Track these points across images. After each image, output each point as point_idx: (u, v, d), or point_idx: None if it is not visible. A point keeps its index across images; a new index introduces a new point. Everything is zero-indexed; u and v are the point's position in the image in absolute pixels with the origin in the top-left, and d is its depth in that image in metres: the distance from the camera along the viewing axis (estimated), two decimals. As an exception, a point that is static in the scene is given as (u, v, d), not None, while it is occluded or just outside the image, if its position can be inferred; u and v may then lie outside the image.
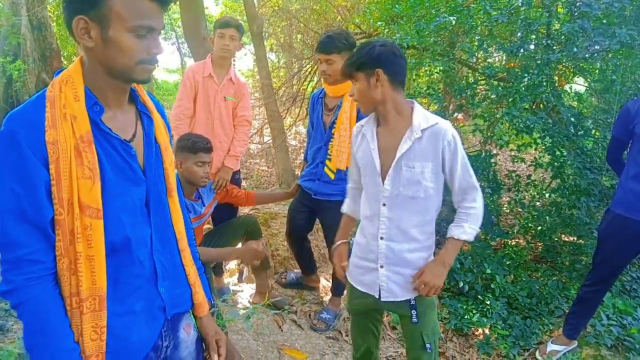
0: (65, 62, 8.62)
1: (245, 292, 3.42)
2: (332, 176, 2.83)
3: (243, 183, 6.60)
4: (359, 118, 2.73)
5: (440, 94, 4.16)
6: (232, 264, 3.88)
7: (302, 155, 3.14)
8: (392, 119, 1.80)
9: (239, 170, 3.35)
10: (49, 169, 1.02)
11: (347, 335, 3.05)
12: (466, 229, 1.79)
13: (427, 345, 1.88)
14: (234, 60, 3.32)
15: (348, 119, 2.72)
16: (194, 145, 2.46)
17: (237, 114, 3.15)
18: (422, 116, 1.77)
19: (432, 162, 1.75)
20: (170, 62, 23.60)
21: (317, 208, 3.00)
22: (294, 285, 3.52)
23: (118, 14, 1.02)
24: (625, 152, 2.82)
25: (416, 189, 1.76)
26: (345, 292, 3.23)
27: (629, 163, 2.67)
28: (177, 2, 5.37)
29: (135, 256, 1.16)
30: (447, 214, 2.83)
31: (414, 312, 1.85)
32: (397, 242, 1.82)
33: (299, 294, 3.47)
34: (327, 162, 2.84)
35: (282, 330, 2.94)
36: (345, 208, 2.14)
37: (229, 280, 3.64)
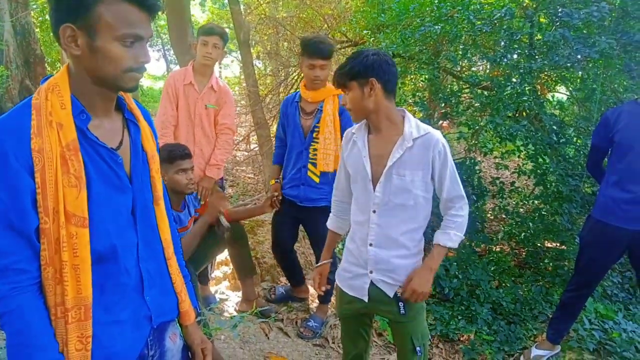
0: (49, 69, 8.51)
1: (231, 300, 3.40)
2: (317, 180, 2.84)
3: (229, 190, 6.59)
4: (342, 121, 2.77)
5: (425, 102, 4.21)
6: (217, 272, 3.85)
7: (284, 163, 3.07)
8: (384, 127, 1.82)
9: (223, 177, 3.32)
10: (34, 177, 1.01)
11: (334, 343, 3.04)
12: (452, 236, 1.83)
13: (417, 349, 1.91)
14: (220, 68, 3.30)
15: (332, 121, 2.75)
16: (169, 155, 2.46)
17: (218, 121, 3.10)
18: (414, 125, 1.79)
19: (423, 171, 1.77)
20: (156, 68, 23.54)
21: (303, 216, 3.00)
22: (284, 300, 3.46)
23: (106, 23, 1.01)
24: (605, 159, 2.88)
25: (406, 197, 1.78)
26: (332, 299, 3.24)
27: (608, 170, 2.73)
28: (164, 10, 5.36)
29: (121, 264, 1.15)
30: (437, 224, 2.87)
31: (401, 304, 1.85)
32: (386, 249, 1.84)
33: (286, 302, 3.45)
34: (310, 166, 2.85)
35: (268, 338, 2.93)
36: (329, 223, 2.14)
37: (216, 288, 3.62)
